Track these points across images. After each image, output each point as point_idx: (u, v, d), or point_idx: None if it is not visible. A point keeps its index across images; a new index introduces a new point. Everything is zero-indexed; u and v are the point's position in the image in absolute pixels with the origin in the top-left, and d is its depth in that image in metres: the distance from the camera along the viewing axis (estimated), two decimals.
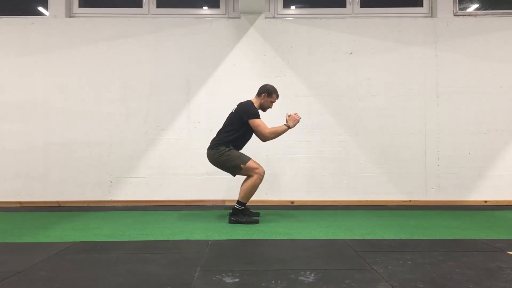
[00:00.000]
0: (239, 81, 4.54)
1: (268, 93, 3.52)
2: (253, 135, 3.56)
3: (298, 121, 3.48)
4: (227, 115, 3.63)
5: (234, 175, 3.52)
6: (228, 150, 3.40)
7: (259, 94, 3.56)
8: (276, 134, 3.42)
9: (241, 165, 3.35)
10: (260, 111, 3.54)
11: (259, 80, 4.30)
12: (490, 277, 1.98)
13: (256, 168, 3.36)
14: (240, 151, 3.51)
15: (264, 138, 3.45)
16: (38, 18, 4.68)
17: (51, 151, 4.53)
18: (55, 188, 4.50)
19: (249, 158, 3.40)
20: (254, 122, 3.38)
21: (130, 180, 4.54)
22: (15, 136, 4.53)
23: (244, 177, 3.47)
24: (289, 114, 3.48)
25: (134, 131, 4.56)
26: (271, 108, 3.62)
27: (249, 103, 3.49)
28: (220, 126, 3.65)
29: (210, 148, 3.51)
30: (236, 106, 3.54)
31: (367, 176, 4.55)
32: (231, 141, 3.43)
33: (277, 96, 3.59)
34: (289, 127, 3.45)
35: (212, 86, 4.58)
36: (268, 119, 4.46)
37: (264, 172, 3.40)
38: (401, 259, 2.29)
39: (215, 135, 3.57)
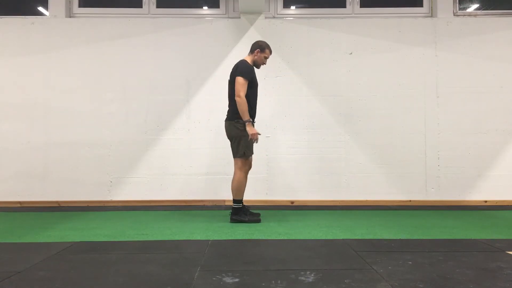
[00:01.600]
0: None
1: (261, 49, 3.52)
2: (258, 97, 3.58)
3: (253, 138, 3.35)
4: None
5: (233, 152, 3.48)
6: (247, 133, 3.36)
7: (251, 51, 3.55)
8: (240, 107, 3.32)
9: (244, 154, 3.38)
10: (255, 70, 3.54)
11: (259, 80, 4.29)
12: (490, 277, 1.98)
13: (244, 165, 3.43)
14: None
15: (235, 96, 3.37)
16: (38, 18, 4.67)
17: (51, 151, 4.53)
18: (55, 188, 4.50)
19: (251, 154, 3.45)
20: (238, 79, 3.37)
21: (130, 180, 4.54)
22: (15, 136, 4.53)
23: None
24: (259, 134, 3.39)
25: (134, 131, 4.56)
26: (265, 64, 3.62)
27: (242, 62, 3.48)
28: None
29: (229, 120, 3.48)
30: (231, 72, 3.51)
31: (367, 176, 4.55)
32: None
33: (270, 51, 3.58)
34: (245, 125, 3.33)
35: (212, 86, 4.58)
36: (268, 115, 4.47)
37: (248, 171, 3.48)
38: (401, 259, 2.29)
39: (228, 105, 3.53)
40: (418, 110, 4.59)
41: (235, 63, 3.52)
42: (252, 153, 3.48)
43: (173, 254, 2.42)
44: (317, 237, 2.90)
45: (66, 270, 2.11)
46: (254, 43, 3.58)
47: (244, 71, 3.39)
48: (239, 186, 3.41)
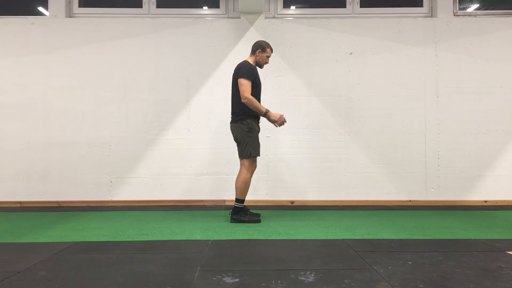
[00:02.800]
0: None
1: (262, 49, 3.53)
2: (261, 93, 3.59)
3: (281, 123, 3.40)
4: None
5: (239, 154, 3.48)
6: (253, 134, 3.40)
7: (253, 52, 3.56)
8: (252, 106, 3.36)
9: (251, 155, 3.38)
10: (258, 69, 3.56)
11: None
12: (490, 277, 1.98)
13: (252, 165, 3.44)
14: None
15: (242, 99, 3.39)
16: (38, 18, 4.67)
17: (51, 151, 4.53)
18: (55, 188, 4.50)
19: (257, 155, 3.45)
20: (240, 81, 3.38)
21: (130, 180, 4.54)
22: (15, 136, 4.53)
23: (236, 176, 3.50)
24: (283, 116, 3.42)
25: (134, 131, 4.56)
26: (267, 63, 3.63)
27: (244, 63, 3.49)
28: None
29: (234, 122, 3.49)
30: (233, 75, 3.52)
31: (367, 176, 4.55)
32: (249, 109, 3.40)
33: (272, 50, 3.60)
34: (267, 116, 3.38)
35: (212, 86, 4.58)
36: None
37: (254, 171, 3.48)
38: (401, 259, 2.29)
39: (231, 107, 3.53)
40: (418, 110, 4.59)
41: (236, 63, 3.54)
42: (259, 154, 3.46)
43: (173, 254, 2.42)
44: (317, 237, 2.90)
45: (66, 270, 2.11)
46: (254, 43, 3.58)
47: (246, 72, 3.40)
48: (244, 187, 3.41)
